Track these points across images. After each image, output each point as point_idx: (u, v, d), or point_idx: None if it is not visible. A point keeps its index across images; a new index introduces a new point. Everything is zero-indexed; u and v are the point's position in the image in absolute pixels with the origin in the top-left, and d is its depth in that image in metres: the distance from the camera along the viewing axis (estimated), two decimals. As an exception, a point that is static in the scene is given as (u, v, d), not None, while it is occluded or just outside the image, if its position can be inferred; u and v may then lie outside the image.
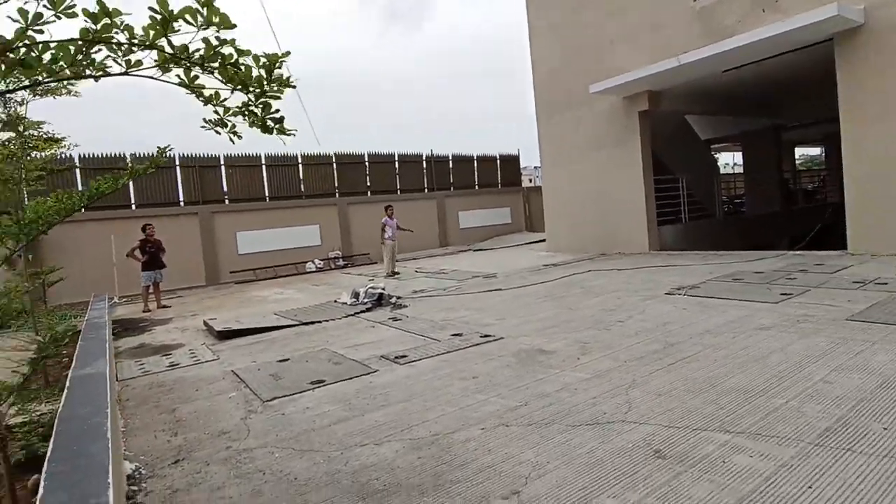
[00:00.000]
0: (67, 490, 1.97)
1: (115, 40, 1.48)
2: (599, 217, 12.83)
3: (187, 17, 1.50)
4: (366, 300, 8.01)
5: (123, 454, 3.30)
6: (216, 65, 1.67)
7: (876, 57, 8.11)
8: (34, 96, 6.32)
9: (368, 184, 18.43)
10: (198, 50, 1.63)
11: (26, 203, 6.85)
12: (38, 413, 4.00)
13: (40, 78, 1.49)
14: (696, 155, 16.71)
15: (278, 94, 1.79)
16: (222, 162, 15.71)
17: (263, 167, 16.35)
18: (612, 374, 3.90)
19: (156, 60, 1.59)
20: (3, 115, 5.77)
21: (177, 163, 14.90)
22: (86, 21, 1.41)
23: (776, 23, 8.50)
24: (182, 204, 14.96)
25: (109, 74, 1.56)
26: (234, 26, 1.55)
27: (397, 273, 12.32)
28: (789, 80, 12.27)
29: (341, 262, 16.55)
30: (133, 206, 14.18)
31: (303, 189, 17.07)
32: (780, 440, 2.66)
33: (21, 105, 6.62)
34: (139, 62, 1.56)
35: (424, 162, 19.83)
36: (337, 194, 17.57)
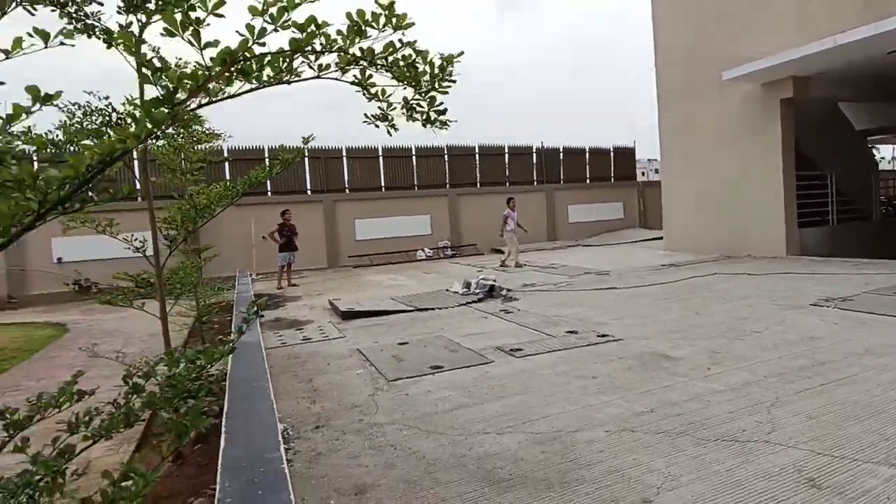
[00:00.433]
0: (245, 443, 2.27)
1: (311, 48, 1.58)
2: (727, 215, 11.85)
3: (379, 20, 1.59)
4: (477, 291, 8.17)
5: (274, 416, 3.71)
6: (392, 64, 1.76)
7: None
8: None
9: (478, 176, 18.62)
10: (380, 53, 1.72)
11: (188, 190, 7.85)
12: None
13: (250, 85, 1.63)
14: (849, 148, 14.71)
15: (446, 90, 1.87)
16: (345, 154, 16.76)
17: (380, 159, 17.18)
18: (750, 389, 3.64)
19: (338, 63, 1.66)
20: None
21: (305, 154, 16.15)
22: (294, 32, 1.54)
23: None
24: (309, 192, 16.23)
25: (303, 79, 1.69)
26: (413, 24, 1.63)
27: (520, 265, 12.39)
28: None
29: (450, 251, 16.96)
30: (269, 193, 15.63)
31: (416, 180, 17.68)
32: (966, 483, 2.34)
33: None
34: (328, 66, 1.65)
35: (534, 154, 19.58)
36: (447, 186, 17.97)
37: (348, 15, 1.60)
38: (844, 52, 8.90)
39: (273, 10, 1.34)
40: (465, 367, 4.58)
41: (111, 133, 0.96)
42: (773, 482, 2.45)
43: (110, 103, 4.19)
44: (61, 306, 11.97)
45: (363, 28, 1.60)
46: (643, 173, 40.25)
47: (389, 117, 2.02)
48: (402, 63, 1.76)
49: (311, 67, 1.64)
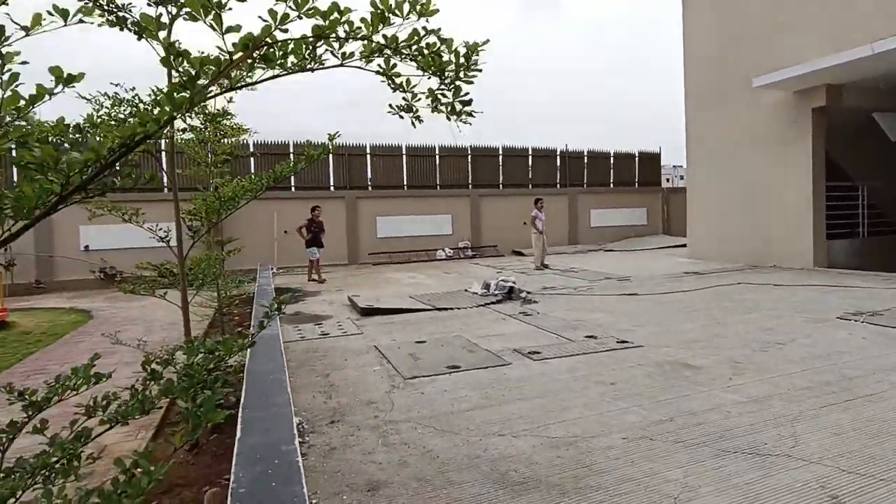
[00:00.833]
0: (261, 434, 2.28)
1: (335, 35, 1.53)
2: (753, 224, 11.58)
3: (403, 7, 1.56)
4: (496, 292, 8.12)
5: (289, 409, 3.74)
6: (417, 53, 1.72)
7: None
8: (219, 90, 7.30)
9: (501, 177, 18.54)
10: (404, 41, 1.68)
11: (212, 182, 7.96)
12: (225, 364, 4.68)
13: (273, 72, 1.59)
14: (883, 159, 14.26)
15: (471, 80, 1.83)
16: (368, 151, 16.85)
17: (403, 157, 17.23)
18: (773, 402, 3.54)
19: (362, 52, 1.63)
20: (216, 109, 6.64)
21: (329, 150, 16.29)
22: (317, 19, 1.50)
23: None
24: (332, 188, 16.36)
25: (326, 67, 1.65)
26: (437, 11, 1.60)
27: (547, 266, 12.32)
28: None
29: (470, 252, 16.92)
30: (293, 188, 15.80)
31: (438, 180, 17.69)
32: None
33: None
34: (351, 54, 1.62)
35: (558, 157, 19.42)
36: (470, 186, 17.94)
37: (372, 2, 1.57)
38: (881, 60, 8.63)
39: (296, -6, 1.32)
40: (483, 368, 4.55)
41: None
42: (795, 497, 2.38)
43: (136, 94, 4.27)
44: (87, 293, 12.28)
45: (387, 15, 1.56)
46: (668, 179, 39.69)
47: (414, 108, 1.98)
48: (426, 52, 1.72)
49: (334, 55, 1.61)
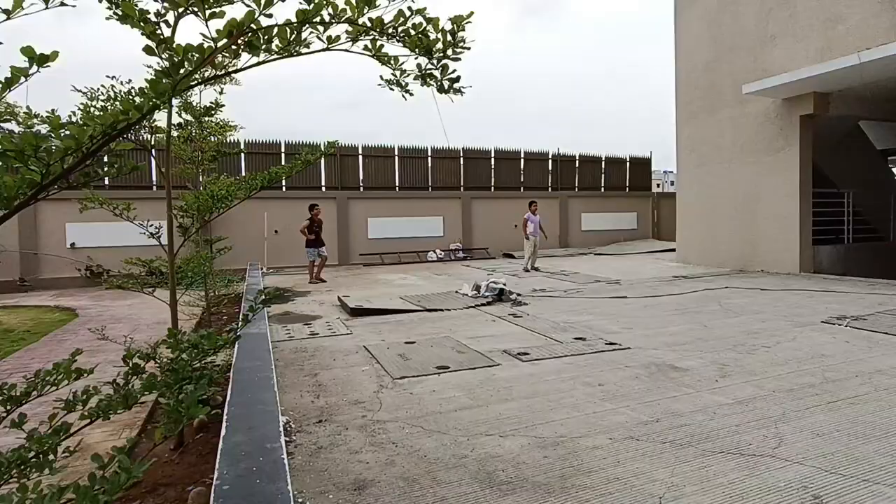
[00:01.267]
0: (247, 432, 2.27)
1: (319, 18, 1.51)
2: (742, 230, 11.70)
3: None
4: (487, 294, 8.13)
5: (276, 408, 3.71)
6: (404, 34, 1.70)
7: None
8: (205, 87, 7.18)
9: (493, 179, 18.59)
10: (390, 22, 1.67)
11: (200, 181, 7.87)
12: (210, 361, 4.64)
13: (259, 59, 1.56)
14: (869, 167, 14.50)
15: (458, 57, 1.83)
16: (360, 151, 16.81)
17: (396, 158, 17.21)
18: (757, 403, 3.57)
19: (348, 33, 1.61)
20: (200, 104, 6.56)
21: (322, 151, 16.23)
22: (301, 3, 1.48)
23: None
24: (323, 189, 16.30)
25: (312, 52, 1.62)
26: None
27: (537, 269, 12.35)
28: None
29: (461, 254, 16.93)
30: (283, 188, 15.72)
31: (430, 181, 17.69)
32: (980, 510, 2.26)
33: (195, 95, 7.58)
34: (337, 38, 1.60)
35: (550, 160, 19.52)
36: (461, 188, 17.96)
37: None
38: (868, 69, 8.77)
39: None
40: (472, 369, 4.55)
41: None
42: (778, 497, 2.40)
43: (132, 88, 4.24)
44: (72, 291, 12.13)
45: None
46: (658, 185, 40.00)
47: (404, 83, 1.95)
48: (413, 32, 1.71)
49: (320, 39, 1.59)
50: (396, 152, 17.20)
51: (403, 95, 2.05)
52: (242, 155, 15.13)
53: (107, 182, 13.52)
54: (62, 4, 1.07)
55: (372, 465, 2.85)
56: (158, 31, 1.60)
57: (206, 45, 1.19)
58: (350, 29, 1.64)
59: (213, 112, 5.75)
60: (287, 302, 8.72)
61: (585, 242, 19.25)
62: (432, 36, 1.78)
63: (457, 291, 8.87)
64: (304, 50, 1.62)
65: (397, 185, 17.27)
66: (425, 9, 1.66)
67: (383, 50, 1.81)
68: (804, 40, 10.26)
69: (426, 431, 3.28)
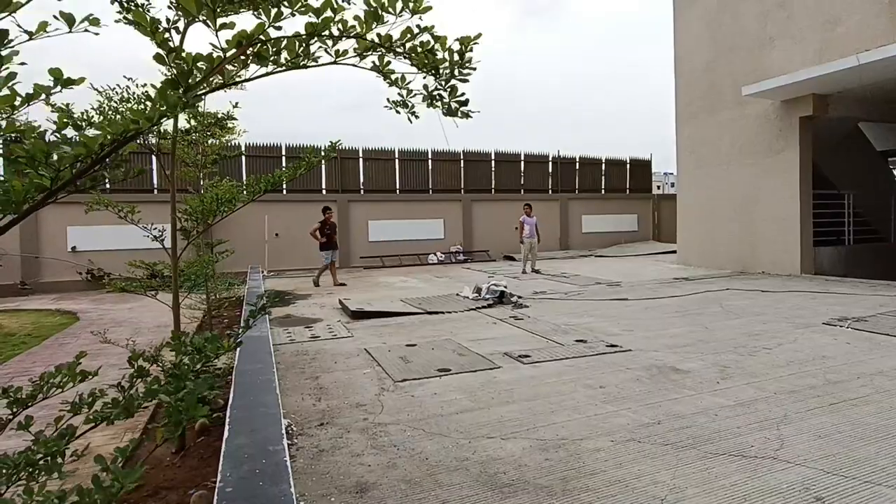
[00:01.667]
0: (249, 434, 2.27)
1: (328, 33, 1.52)
2: (742, 231, 11.71)
3: (396, 5, 1.55)
4: (487, 296, 8.14)
5: (278, 411, 3.72)
6: (411, 51, 1.71)
7: None
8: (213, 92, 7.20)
9: (493, 182, 18.61)
10: (397, 39, 1.68)
11: (201, 184, 7.86)
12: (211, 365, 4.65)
13: (267, 69, 1.58)
14: (869, 168, 14.51)
15: (466, 79, 1.83)
16: (361, 154, 16.83)
17: (396, 161, 17.24)
18: (759, 405, 3.58)
19: (356, 49, 1.62)
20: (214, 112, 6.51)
21: (322, 153, 16.25)
22: (310, 16, 1.50)
23: None
24: (324, 192, 16.31)
25: (320, 65, 1.63)
26: (430, 8, 1.60)
27: (538, 271, 12.35)
28: None
29: (462, 256, 16.94)
30: (284, 192, 15.74)
31: (430, 184, 17.71)
32: (982, 511, 2.27)
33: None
34: (345, 52, 1.62)
35: (550, 163, 19.54)
36: (462, 191, 17.98)
37: (367, 0, 1.57)
38: (867, 71, 8.79)
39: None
40: (473, 372, 4.56)
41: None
42: (780, 499, 2.40)
43: (147, 91, 4.26)
44: (73, 295, 12.14)
45: (380, 13, 1.56)
46: (659, 186, 40.03)
47: (410, 104, 1.95)
48: (420, 49, 1.72)
49: (328, 53, 1.61)
50: (397, 155, 17.23)
51: (409, 119, 2.04)
52: (243, 158, 15.17)
53: (108, 185, 13.53)
54: (86, 31, 1.09)
55: (374, 468, 2.85)
56: (168, 38, 1.61)
57: (214, 54, 1.20)
58: (358, 45, 1.65)
59: (224, 123, 5.74)
60: (288, 305, 8.73)
61: (586, 244, 19.26)
62: (440, 55, 1.78)
63: (458, 294, 8.87)
64: (311, 63, 1.63)
65: (398, 187, 17.29)
66: (433, 26, 1.66)
67: (390, 66, 1.81)
68: (802, 42, 10.29)
69: (427, 434, 3.28)
